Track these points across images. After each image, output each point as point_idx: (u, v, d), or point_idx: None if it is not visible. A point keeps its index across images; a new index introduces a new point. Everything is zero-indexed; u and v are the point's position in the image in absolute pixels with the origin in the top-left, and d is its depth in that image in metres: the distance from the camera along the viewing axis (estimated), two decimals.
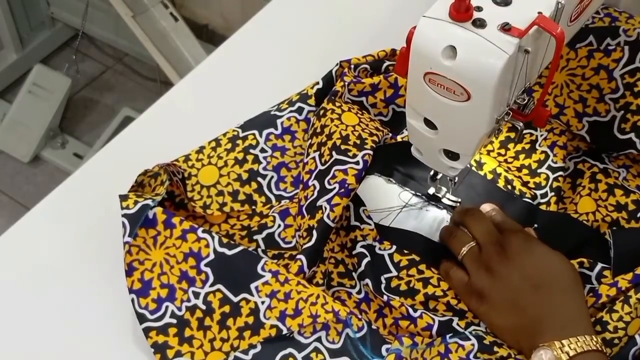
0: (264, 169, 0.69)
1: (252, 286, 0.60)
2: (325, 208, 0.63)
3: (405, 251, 0.66)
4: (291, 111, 0.71)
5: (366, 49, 0.76)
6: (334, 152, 0.65)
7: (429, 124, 0.59)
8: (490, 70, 0.50)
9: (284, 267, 0.62)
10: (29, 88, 1.93)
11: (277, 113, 0.71)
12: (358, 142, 0.66)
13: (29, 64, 2.02)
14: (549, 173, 0.72)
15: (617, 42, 0.68)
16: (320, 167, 0.66)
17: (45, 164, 1.95)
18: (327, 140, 0.66)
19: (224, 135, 0.71)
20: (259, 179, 0.69)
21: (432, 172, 0.69)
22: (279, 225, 0.67)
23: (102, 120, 2.01)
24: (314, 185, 0.65)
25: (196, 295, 0.60)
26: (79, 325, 0.64)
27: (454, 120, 0.56)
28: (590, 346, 0.54)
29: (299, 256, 0.62)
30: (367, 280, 0.63)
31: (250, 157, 0.69)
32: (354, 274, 0.65)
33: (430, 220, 0.70)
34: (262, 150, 0.70)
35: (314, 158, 0.67)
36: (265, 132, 0.70)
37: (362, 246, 0.65)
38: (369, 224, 0.66)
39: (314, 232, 0.62)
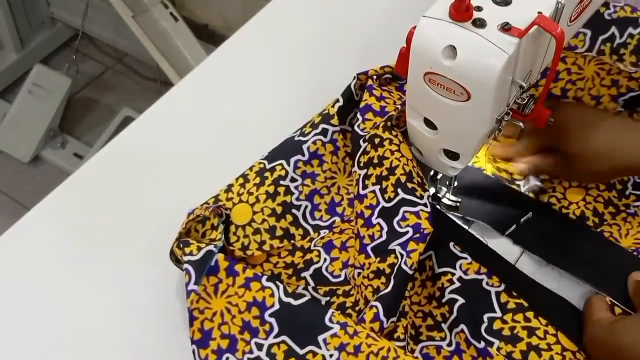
0: (297, 199, 0.66)
1: (320, 338, 0.56)
2: (401, 254, 0.59)
3: (514, 293, 0.62)
4: (315, 134, 0.68)
5: (366, 49, 0.76)
6: (399, 190, 0.61)
7: (429, 124, 0.59)
8: (490, 70, 0.50)
9: (355, 312, 0.60)
10: (29, 88, 1.93)
11: (302, 138, 0.68)
12: (419, 180, 0.63)
13: (29, 64, 2.02)
14: None
15: (639, 32, 0.68)
16: (384, 203, 0.62)
17: (45, 164, 1.95)
18: (389, 174, 0.62)
19: (251, 169, 0.68)
20: (294, 210, 0.66)
21: (432, 172, 0.69)
22: (325, 259, 0.65)
23: (102, 120, 2.01)
24: (379, 224, 0.61)
25: (259, 346, 0.57)
26: (79, 325, 0.64)
27: (454, 120, 0.56)
28: None
29: (374, 303, 0.57)
30: (462, 327, 0.59)
31: (281, 189, 0.66)
32: (443, 325, 0.61)
33: None
34: (292, 180, 0.67)
35: (374, 192, 0.63)
36: (292, 160, 0.67)
37: (452, 291, 0.61)
38: (465, 258, 0.63)
39: (392, 279, 0.58)
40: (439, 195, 0.70)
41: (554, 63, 0.52)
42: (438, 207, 0.71)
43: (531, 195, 0.71)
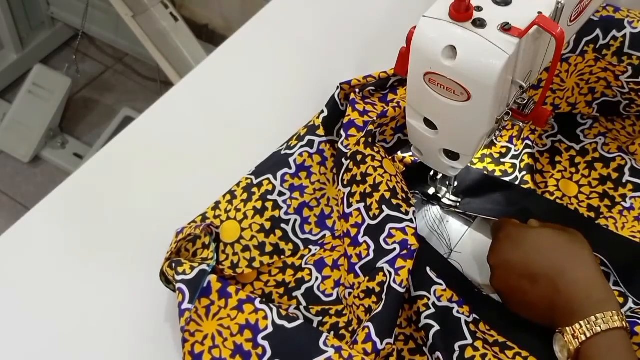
0: (286, 213, 0.66)
1: None
2: (390, 272, 0.58)
3: (481, 328, 0.61)
4: (302, 146, 0.68)
5: (366, 49, 0.76)
6: (384, 207, 0.61)
7: (429, 124, 0.59)
8: (490, 70, 0.50)
9: (349, 333, 0.60)
10: (29, 88, 1.93)
11: (288, 152, 0.68)
12: (404, 195, 0.62)
13: (29, 64, 2.02)
14: (515, 161, 0.73)
15: (623, 35, 0.68)
16: (369, 221, 0.61)
17: (45, 164, 1.96)
18: (374, 191, 0.62)
19: (238, 185, 0.67)
20: (283, 225, 0.65)
21: (432, 172, 0.69)
22: (317, 278, 0.64)
23: (102, 120, 2.01)
24: (366, 242, 0.61)
25: None
26: (79, 325, 0.64)
27: (454, 120, 0.56)
28: (609, 324, 0.53)
29: (366, 324, 0.56)
30: (438, 354, 0.58)
31: (269, 204, 0.65)
32: (424, 348, 0.60)
33: (431, 221, 0.70)
34: (280, 194, 0.66)
35: (359, 210, 0.62)
36: (279, 173, 0.67)
37: (427, 316, 0.59)
38: (440, 284, 0.62)
39: (383, 298, 0.57)
40: (439, 195, 0.70)
41: (554, 63, 0.52)
42: (436, 208, 0.71)
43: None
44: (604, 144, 0.73)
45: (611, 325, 0.52)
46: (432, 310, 0.60)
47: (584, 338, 0.53)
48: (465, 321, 0.60)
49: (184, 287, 0.57)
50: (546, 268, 0.57)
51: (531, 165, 0.73)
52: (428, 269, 0.62)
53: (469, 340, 0.59)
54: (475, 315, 0.62)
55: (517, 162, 0.73)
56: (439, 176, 0.69)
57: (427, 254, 0.64)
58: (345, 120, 0.66)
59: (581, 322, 0.53)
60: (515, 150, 0.74)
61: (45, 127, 1.91)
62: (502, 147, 0.74)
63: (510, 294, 0.60)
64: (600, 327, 0.53)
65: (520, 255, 0.59)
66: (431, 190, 0.71)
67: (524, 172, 0.72)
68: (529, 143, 0.74)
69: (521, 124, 0.59)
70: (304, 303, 0.63)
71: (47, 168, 1.95)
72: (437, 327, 0.59)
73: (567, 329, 0.54)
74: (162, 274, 0.61)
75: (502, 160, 0.74)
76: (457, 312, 0.61)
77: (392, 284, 0.57)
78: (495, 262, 0.61)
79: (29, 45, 2.09)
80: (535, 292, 0.57)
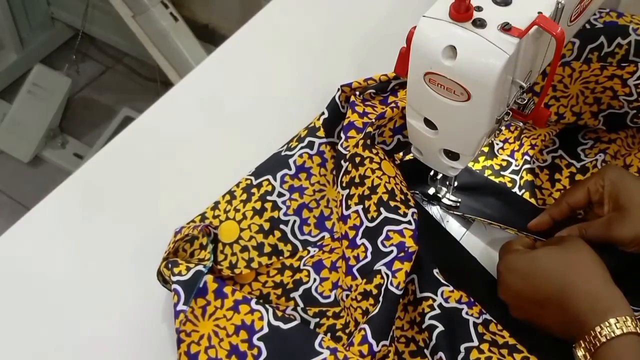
0: (285, 214, 0.66)
1: None
2: (387, 275, 0.58)
3: (492, 329, 0.61)
4: (302, 147, 0.67)
5: (366, 50, 0.76)
6: (382, 209, 0.61)
7: (429, 124, 0.59)
8: (490, 70, 0.50)
9: (345, 335, 0.60)
10: (29, 88, 1.93)
11: (288, 153, 0.68)
12: (403, 197, 0.62)
13: (29, 64, 2.02)
14: (515, 177, 0.73)
15: (628, 42, 0.67)
16: (367, 223, 0.61)
17: (45, 164, 1.96)
18: (372, 193, 0.62)
19: (237, 186, 0.67)
20: (282, 226, 0.66)
21: (432, 172, 0.69)
22: (315, 280, 0.64)
23: (102, 120, 2.01)
24: (364, 245, 0.61)
25: None
26: (78, 325, 0.64)
27: (454, 120, 0.56)
28: (623, 329, 0.52)
29: (362, 326, 0.56)
30: (441, 354, 0.58)
31: (268, 205, 0.66)
32: (425, 351, 0.60)
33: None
34: (280, 195, 0.66)
35: (357, 212, 0.62)
36: (279, 174, 0.67)
37: (432, 317, 0.60)
38: (447, 285, 0.61)
39: (380, 300, 0.57)
40: (439, 195, 0.70)
41: (554, 63, 0.52)
42: (436, 208, 0.71)
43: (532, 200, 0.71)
44: (603, 160, 0.72)
45: (616, 332, 0.52)
46: (438, 311, 0.60)
47: (592, 350, 0.53)
48: (474, 322, 0.60)
49: (179, 288, 0.57)
50: (549, 291, 0.57)
51: (531, 182, 0.72)
52: (435, 271, 0.62)
53: (475, 343, 0.59)
54: (486, 316, 0.61)
55: (517, 178, 0.73)
56: (439, 176, 0.69)
57: (435, 250, 0.64)
58: (345, 122, 0.66)
59: (586, 336, 0.53)
60: (516, 165, 0.73)
61: (45, 127, 1.91)
62: (503, 160, 0.74)
63: (528, 320, 0.60)
64: (605, 337, 0.52)
65: (523, 285, 0.59)
66: (431, 191, 0.71)
67: (523, 190, 0.72)
68: (528, 159, 0.73)
69: (521, 124, 0.59)
70: (301, 304, 0.63)
71: (47, 168, 1.95)
72: (441, 328, 0.58)
73: (580, 342, 0.54)
74: (159, 274, 0.61)
75: (502, 172, 0.73)
76: (466, 313, 0.61)
77: (389, 287, 0.57)
78: (504, 296, 0.61)
79: (29, 45, 2.09)
80: (547, 315, 0.57)
